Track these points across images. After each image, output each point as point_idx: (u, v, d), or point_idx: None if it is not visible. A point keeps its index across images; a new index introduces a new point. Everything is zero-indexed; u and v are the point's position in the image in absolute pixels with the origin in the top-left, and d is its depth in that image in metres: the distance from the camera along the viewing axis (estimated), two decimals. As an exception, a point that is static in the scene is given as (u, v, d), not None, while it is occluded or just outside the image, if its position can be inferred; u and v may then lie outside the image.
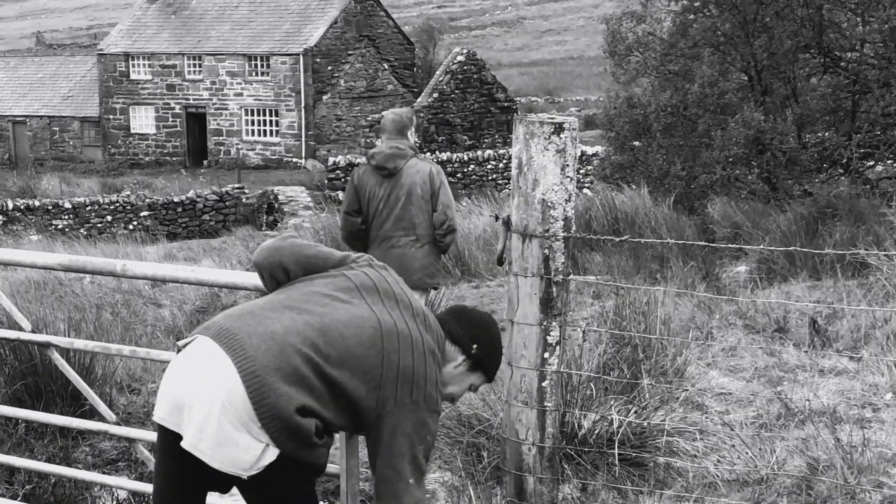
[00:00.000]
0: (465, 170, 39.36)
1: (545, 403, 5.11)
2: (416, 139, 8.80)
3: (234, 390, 3.57)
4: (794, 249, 5.54)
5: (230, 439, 3.57)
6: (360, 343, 3.79)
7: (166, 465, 3.83)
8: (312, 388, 3.67)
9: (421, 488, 3.84)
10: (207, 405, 3.57)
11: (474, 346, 4.07)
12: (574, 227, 5.09)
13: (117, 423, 4.32)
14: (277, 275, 3.99)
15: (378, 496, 3.81)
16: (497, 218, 8.90)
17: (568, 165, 4.96)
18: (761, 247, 8.85)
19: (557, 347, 5.09)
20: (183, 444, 3.62)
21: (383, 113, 8.71)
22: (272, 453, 3.61)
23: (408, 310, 3.94)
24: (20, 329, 4.46)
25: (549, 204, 4.96)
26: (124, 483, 5.34)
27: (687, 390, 7.08)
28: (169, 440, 3.74)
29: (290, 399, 3.61)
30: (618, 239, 5.51)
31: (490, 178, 39.38)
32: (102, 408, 4.30)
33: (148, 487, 4.71)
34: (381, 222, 8.27)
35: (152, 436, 5.08)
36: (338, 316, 3.81)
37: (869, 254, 10.00)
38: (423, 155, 9.10)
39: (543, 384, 5.09)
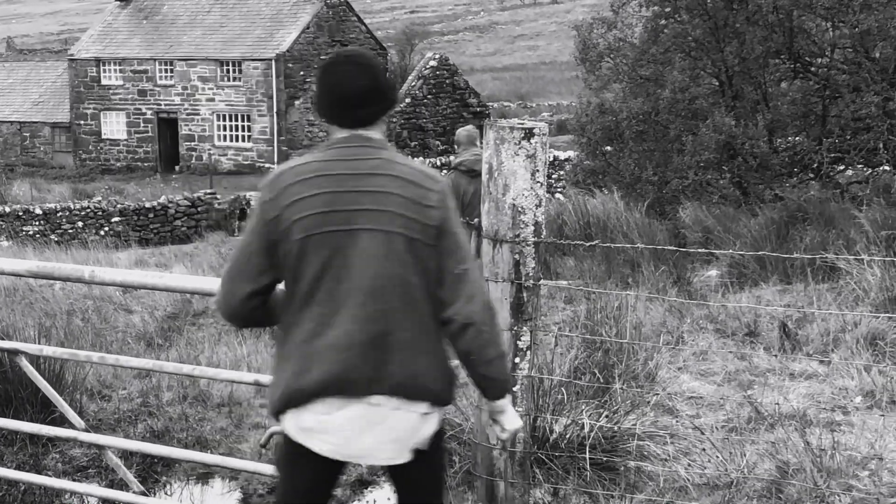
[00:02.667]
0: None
1: (516, 408, 5.10)
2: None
3: (399, 414, 3.88)
4: (764, 254, 5.56)
5: (419, 434, 3.95)
6: (373, 255, 3.84)
7: (313, 481, 4.03)
8: (414, 312, 3.87)
9: None
10: (393, 443, 3.91)
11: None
12: (545, 233, 5.09)
13: (86, 430, 4.29)
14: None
15: (457, 294, 3.92)
16: (467, 223, 9.07)
17: (538, 170, 4.97)
18: (732, 251, 8.87)
19: (528, 352, 5.09)
20: (384, 463, 3.97)
21: (458, 131, 11.04)
22: (440, 412, 4.01)
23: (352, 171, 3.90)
24: (-12, 336, 4.43)
25: (520, 209, 4.96)
26: (94, 490, 5.31)
27: (658, 394, 7.10)
28: (320, 461, 3.96)
29: (427, 370, 3.89)
30: (588, 244, 5.51)
31: (463, 182, 39.29)
32: (71, 414, 4.27)
33: (118, 494, 4.69)
34: (471, 213, 9.67)
35: (121, 442, 5.05)
36: (353, 271, 3.84)
37: (839, 258, 10.05)
38: None
39: (514, 389, 5.09)
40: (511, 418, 4.18)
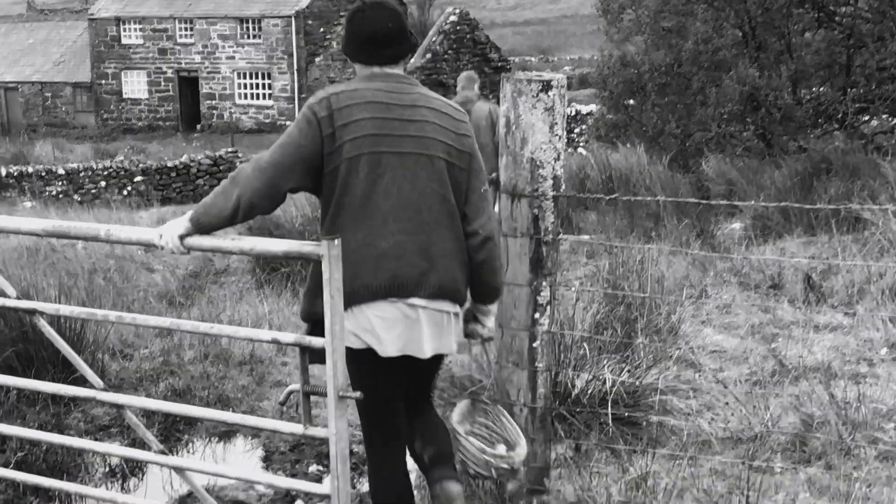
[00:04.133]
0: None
1: (536, 364, 5.07)
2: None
3: (438, 314, 4.32)
4: (787, 205, 5.50)
5: (453, 331, 4.44)
6: (419, 176, 4.30)
7: (391, 379, 4.42)
8: (451, 226, 4.35)
9: None
10: (433, 339, 4.33)
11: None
12: (564, 186, 5.03)
13: (105, 389, 4.27)
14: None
15: (481, 210, 4.44)
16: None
17: (556, 124, 4.90)
18: (756, 203, 8.79)
19: (548, 307, 5.04)
20: (424, 356, 4.33)
21: (462, 74, 11.82)
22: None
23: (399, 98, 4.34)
24: (5, 296, 4.41)
25: (538, 163, 4.90)
26: (115, 450, 5.31)
27: (680, 349, 7.06)
28: (389, 363, 4.33)
29: (462, 276, 4.39)
30: (609, 197, 5.45)
31: (484, 138, 39.17)
32: (89, 374, 4.25)
33: (138, 453, 4.69)
34: None
35: (140, 401, 5.04)
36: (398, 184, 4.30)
37: (863, 208, 9.96)
38: (487, 99, 12.33)
39: (534, 345, 5.05)
40: (493, 321, 4.74)
